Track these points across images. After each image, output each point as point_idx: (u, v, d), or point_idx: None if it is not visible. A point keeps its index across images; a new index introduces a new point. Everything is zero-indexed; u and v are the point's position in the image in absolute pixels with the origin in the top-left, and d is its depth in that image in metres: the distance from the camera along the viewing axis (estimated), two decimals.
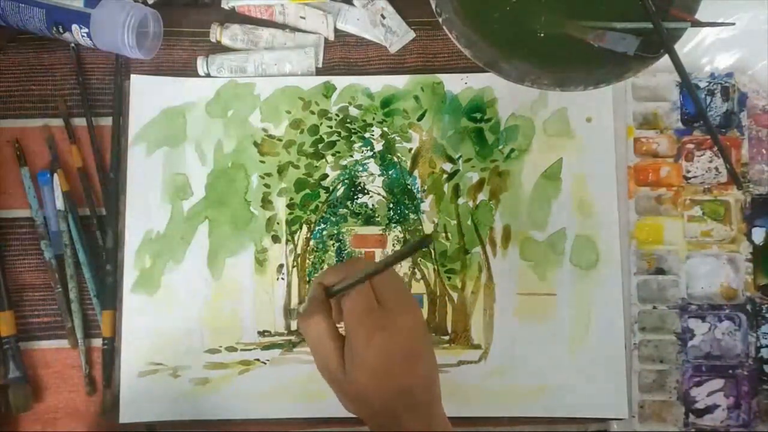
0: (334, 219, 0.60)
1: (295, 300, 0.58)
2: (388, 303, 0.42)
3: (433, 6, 0.55)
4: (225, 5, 0.62)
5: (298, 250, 0.59)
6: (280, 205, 0.59)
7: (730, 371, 0.57)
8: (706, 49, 0.60)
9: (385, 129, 0.60)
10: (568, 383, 0.56)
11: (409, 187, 0.60)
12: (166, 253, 0.58)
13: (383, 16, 0.61)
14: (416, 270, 0.59)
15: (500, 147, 0.60)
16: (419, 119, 0.60)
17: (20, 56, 0.61)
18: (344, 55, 0.62)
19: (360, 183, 0.60)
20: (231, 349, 0.57)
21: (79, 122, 0.61)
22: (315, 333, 0.43)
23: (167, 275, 0.58)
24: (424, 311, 0.58)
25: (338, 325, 0.44)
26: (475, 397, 0.56)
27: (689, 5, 0.55)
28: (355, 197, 0.60)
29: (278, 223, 0.59)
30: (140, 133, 0.60)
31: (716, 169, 0.59)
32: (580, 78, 0.54)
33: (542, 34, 0.56)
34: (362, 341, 0.41)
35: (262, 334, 0.58)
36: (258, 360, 0.57)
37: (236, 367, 0.57)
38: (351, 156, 0.60)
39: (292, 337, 0.58)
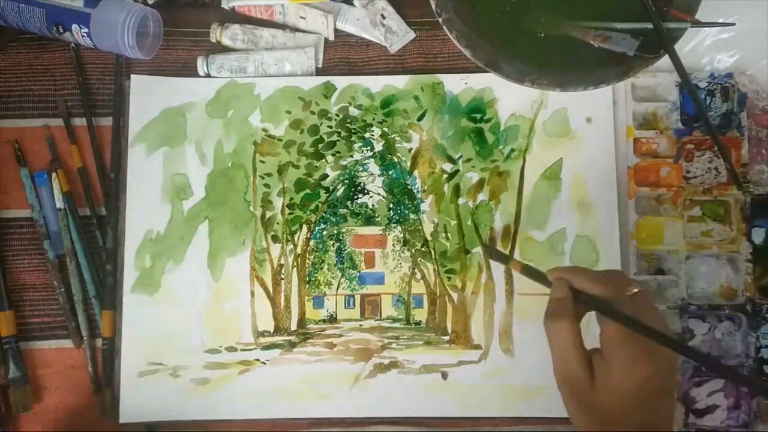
0: (334, 219, 0.60)
1: (294, 300, 0.58)
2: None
3: (433, 6, 0.55)
4: (225, 5, 0.62)
5: (298, 250, 0.59)
6: (280, 205, 0.59)
7: None
8: (706, 49, 0.60)
9: (385, 129, 0.60)
10: None
11: (409, 187, 0.60)
12: (166, 253, 0.58)
13: (383, 16, 0.61)
14: (416, 270, 0.59)
15: (500, 147, 0.60)
16: (419, 119, 0.60)
17: (20, 56, 0.61)
18: (344, 55, 0.62)
19: (360, 183, 0.60)
20: (231, 349, 0.57)
21: (79, 122, 0.61)
22: (563, 339, 0.41)
23: (167, 275, 0.58)
24: (424, 311, 0.58)
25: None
26: (475, 397, 0.56)
27: (689, 5, 0.55)
28: (355, 197, 0.60)
29: (278, 223, 0.59)
30: (140, 133, 0.60)
31: (716, 169, 0.59)
32: (580, 78, 0.54)
33: (542, 34, 0.56)
34: (625, 366, 0.39)
35: (261, 334, 0.58)
36: (258, 360, 0.57)
37: (236, 367, 0.57)
38: (351, 156, 0.60)
39: (292, 337, 0.58)
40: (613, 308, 0.41)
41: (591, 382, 0.40)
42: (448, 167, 0.60)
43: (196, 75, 0.61)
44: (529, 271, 0.49)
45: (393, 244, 0.59)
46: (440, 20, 0.55)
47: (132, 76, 0.60)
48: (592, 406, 0.40)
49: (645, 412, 0.40)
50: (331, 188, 0.60)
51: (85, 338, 0.58)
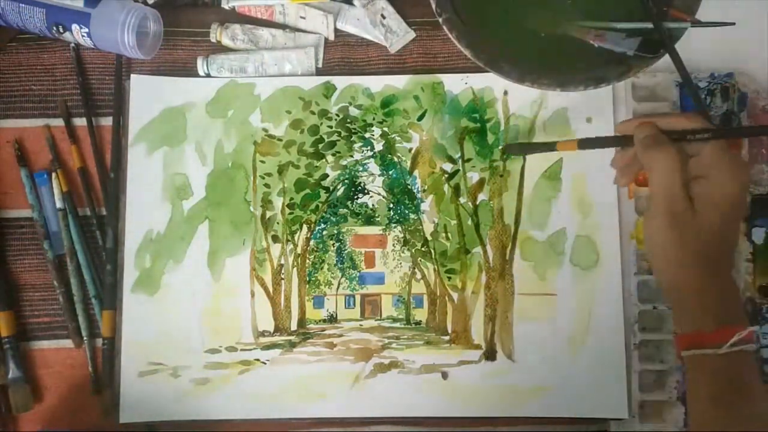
0: (334, 219, 0.60)
1: (294, 299, 0.58)
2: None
3: (433, 6, 0.55)
4: (225, 5, 0.62)
5: (298, 250, 0.59)
6: (280, 205, 0.59)
7: None
8: (706, 49, 0.60)
9: (385, 129, 0.60)
10: (568, 383, 0.56)
11: (409, 187, 0.60)
12: (166, 253, 0.58)
13: (383, 16, 0.61)
14: (416, 270, 0.59)
15: (500, 147, 0.60)
16: (419, 119, 0.60)
17: (20, 56, 0.61)
18: (344, 55, 0.62)
19: (360, 183, 0.60)
20: (231, 349, 0.57)
21: (79, 122, 0.61)
22: (668, 163, 0.42)
23: (167, 275, 0.58)
24: (424, 311, 0.58)
25: None
26: (475, 397, 0.56)
27: (689, 5, 0.55)
28: (355, 197, 0.60)
29: (278, 223, 0.59)
30: (140, 133, 0.60)
31: None
32: (580, 78, 0.54)
33: (542, 34, 0.56)
34: (730, 175, 0.42)
35: (261, 334, 0.58)
36: (258, 360, 0.57)
37: (236, 367, 0.57)
38: (351, 156, 0.60)
39: (292, 337, 0.58)
40: (709, 127, 0.43)
41: (693, 208, 0.42)
42: (448, 167, 0.60)
43: (196, 75, 0.61)
44: (588, 142, 0.49)
45: (393, 244, 0.59)
46: (440, 20, 0.55)
47: (132, 76, 0.60)
48: (693, 227, 0.42)
49: (734, 229, 0.43)
50: (331, 188, 0.60)
51: (85, 338, 0.58)
